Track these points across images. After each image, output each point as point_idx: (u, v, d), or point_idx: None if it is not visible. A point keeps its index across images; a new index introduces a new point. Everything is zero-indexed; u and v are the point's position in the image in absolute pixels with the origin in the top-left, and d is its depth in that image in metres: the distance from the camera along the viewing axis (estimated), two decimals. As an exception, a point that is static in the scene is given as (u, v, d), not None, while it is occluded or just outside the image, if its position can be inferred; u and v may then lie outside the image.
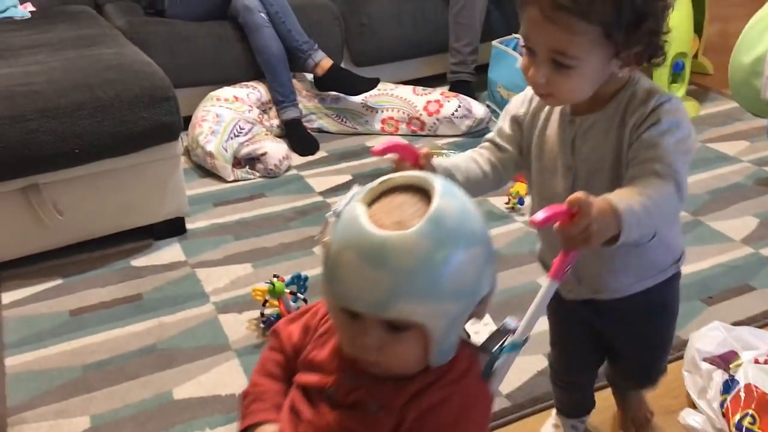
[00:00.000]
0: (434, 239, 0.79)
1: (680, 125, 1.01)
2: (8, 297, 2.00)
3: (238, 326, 1.85)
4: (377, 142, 1.06)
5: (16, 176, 1.96)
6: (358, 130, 2.99)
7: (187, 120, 2.66)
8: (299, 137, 2.85)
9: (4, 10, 2.79)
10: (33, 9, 2.90)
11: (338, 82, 2.93)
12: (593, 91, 1.03)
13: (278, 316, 1.80)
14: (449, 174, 1.10)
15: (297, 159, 2.77)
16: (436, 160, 1.09)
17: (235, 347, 1.78)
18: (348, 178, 2.62)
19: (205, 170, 2.67)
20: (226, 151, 2.61)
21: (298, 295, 1.86)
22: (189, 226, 2.31)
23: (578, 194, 0.86)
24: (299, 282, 1.88)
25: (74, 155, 1.99)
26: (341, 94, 2.96)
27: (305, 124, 2.93)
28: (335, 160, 2.78)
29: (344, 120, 2.99)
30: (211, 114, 2.69)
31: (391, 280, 0.77)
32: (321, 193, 2.52)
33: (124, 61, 2.21)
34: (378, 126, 2.98)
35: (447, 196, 0.82)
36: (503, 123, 1.17)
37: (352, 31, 3.18)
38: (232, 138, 2.63)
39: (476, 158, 1.16)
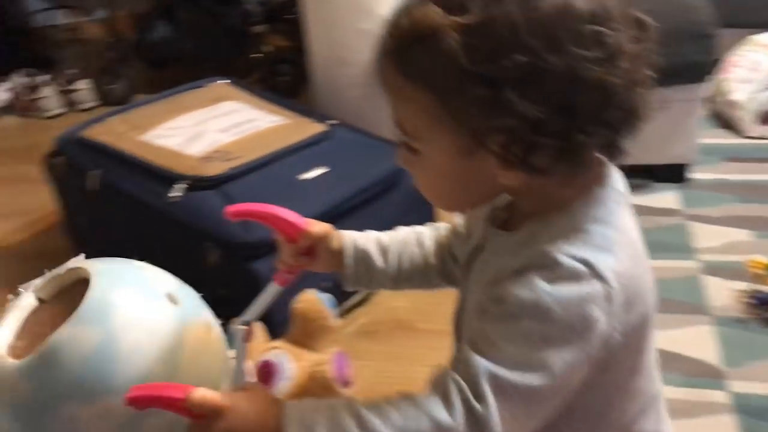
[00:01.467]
0: (37, 383, 0.56)
1: (546, 319, 0.58)
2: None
3: (722, 293, 1.69)
4: None
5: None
6: None
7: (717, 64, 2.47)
8: None
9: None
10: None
11: None
12: (470, 199, 0.69)
13: (773, 297, 1.60)
14: (365, 259, 0.82)
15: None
16: (349, 237, 0.83)
17: (713, 313, 1.65)
18: None
19: (722, 120, 2.45)
20: (754, 103, 2.35)
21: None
22: (691, 175, 2.16)
23: (208, 395, 0.58)
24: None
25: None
26: None
27: None
28: None
29: None
30: (747, 60, 2.43)
31: None
32: None
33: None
34: None
35: (85, 323, 0.58)
36: None
37: None
38: (765, 90, 2.35)
39: (423, 238, 0.84)
